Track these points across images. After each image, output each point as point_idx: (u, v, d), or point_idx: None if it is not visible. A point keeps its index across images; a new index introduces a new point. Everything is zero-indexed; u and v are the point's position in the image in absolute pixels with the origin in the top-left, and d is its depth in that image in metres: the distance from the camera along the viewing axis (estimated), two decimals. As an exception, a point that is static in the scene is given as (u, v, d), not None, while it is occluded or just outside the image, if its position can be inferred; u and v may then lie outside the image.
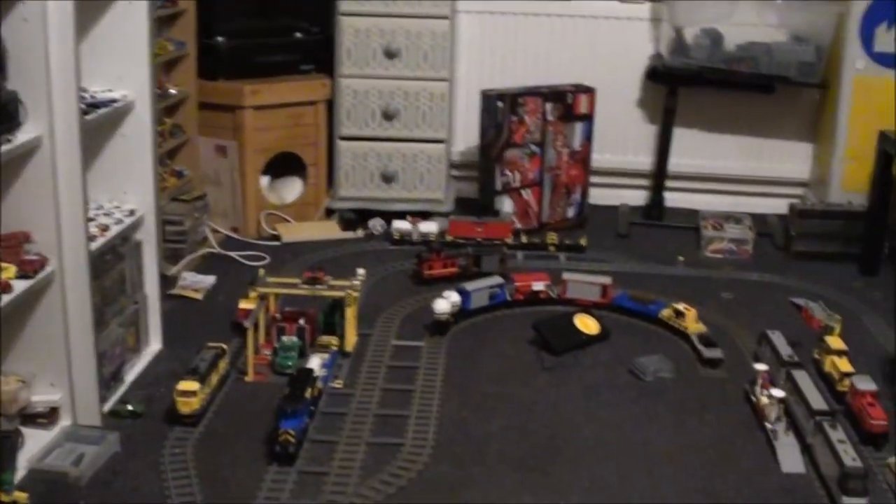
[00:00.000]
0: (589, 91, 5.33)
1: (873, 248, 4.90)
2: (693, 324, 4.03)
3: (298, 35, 5.25)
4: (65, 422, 3.21)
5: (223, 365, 3.55)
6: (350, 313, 3.80)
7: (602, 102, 5.45)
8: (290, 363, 3.65)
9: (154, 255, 3.71)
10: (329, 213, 5.34)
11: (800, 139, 5.69)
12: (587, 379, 3.73)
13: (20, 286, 2.92)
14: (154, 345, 3.81)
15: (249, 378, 3.62)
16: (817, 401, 3.34)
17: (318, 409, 3.40)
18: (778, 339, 3.82)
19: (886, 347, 4.08)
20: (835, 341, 3.81)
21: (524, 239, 5.04)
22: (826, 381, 3.71)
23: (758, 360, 3.81)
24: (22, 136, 2.90)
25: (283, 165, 5.24)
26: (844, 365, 3.66)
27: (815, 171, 5.64)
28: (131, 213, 3.57)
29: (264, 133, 5.03)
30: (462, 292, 4.13)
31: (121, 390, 3.50)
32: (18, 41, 2.88)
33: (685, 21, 5.35)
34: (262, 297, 3.77)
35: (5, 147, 2.83)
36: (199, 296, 4.31)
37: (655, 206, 5.59)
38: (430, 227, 5.03)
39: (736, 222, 5.20)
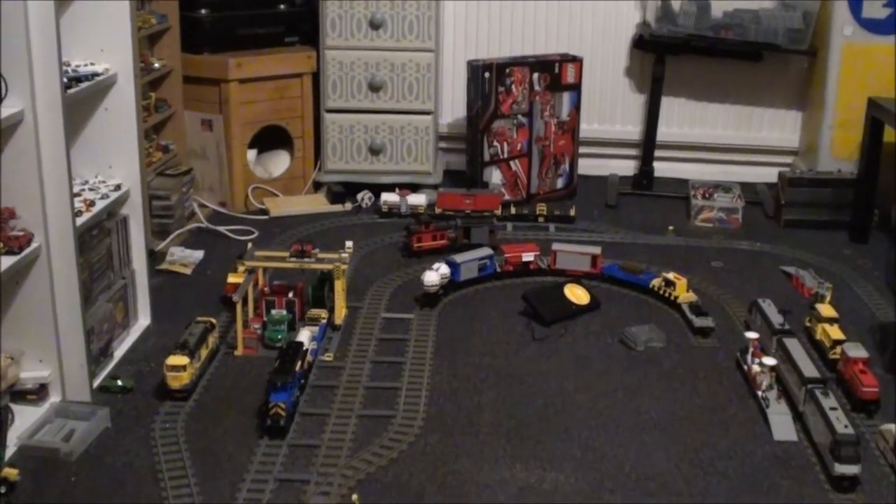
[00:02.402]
0: (576, 60, 5.30)
1: (863, 216, 4.89)
2: (684, 293, 4.02)
3: (282, 7, 5.21)
4: (54, 398, 3.19)
5: (212, 339, 3.54)
6: (339, 286, 3.79)
7: (589, 72, 5.44)
8: (279, 337, 3.63)
9: (141, 230, 3.69)
10: (317, 186, 5.31)
11: (789, 107, 5.67)
12: (578, 349, 3.73)
13: (6, 262, 2.91)
14: (142, 320, 3.80)
15: (239, 352, 3.60)
16: (809, 368, 3.33)
17: (308, 383, 3.40)
18: (769, 307, 3.81)
19: (877, 315, 4.07)
20: (826, 309, 3.80)
21: (513, 210, 5.03)
22: (817, 349, 3.70)
23: (749, 328, 3.81)
24: (3, 111, 2.87)
25: (270, 139, 5.21)
26: (836, 332, 3.65)
27: (805, 139, 5.63)
28: (117, 187, 3.54)
29: (250, 106, 4.99)
30: (451, 264, 4.11)
31: (110, 366, 3.48)
32: (-2, 15, 2.85)
33: (672, -11, 5.33)
34: (251, 271, 3.75)
35: (-13, 122, 2.81)
36: (187, 270, 4.29)
37: (645, 176, 5.56)
38: (418, 199, 5.00)
39: (725, 191, 5.19)
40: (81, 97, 3.30)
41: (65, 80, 3.06)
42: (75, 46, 3.41)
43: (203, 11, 4.95)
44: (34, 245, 3.02)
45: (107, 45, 3.48)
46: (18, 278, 3.05)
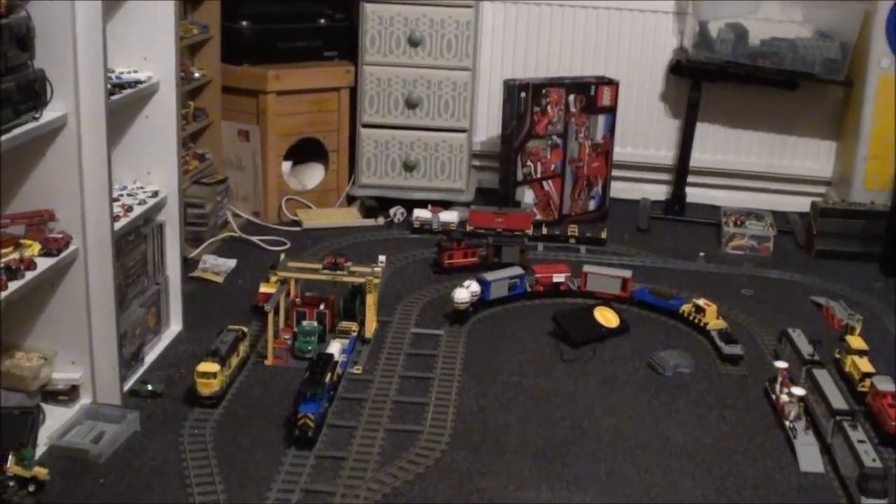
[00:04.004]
0: (612, 83, 5.32)
1: (895, 249, 4.86)
2: (713, 320, 4.02)
3: (322, 21, 5.24)
4: (85, 400, 3.22)
5: (243, 348, 3.56)
6: (370, 300, 3.81)
7: (625, 95, 5.45)
8: (309, 348, 3.65)
9: (177, 237, 3.72)
10: (350, 200, 5.34)
11: (823, 137, 5.67)
12: (606, 372, 3.73)
13: (44, 264, 2.94)
14: (174, 326, 3.82)
15: (269, 362, 3.62)
16: (838, 400, 3.32)
17: (337, 395, 3.41)
18: (798, 337, 3.80)
19: (907, 348, 4.06)
20: (856, 341, 3.79)
21: (545, 230, 5.03)
22: (846, 381, 3.69)
23: (778, 357, 3.79)
24: (48, 115, 2.91)
25: (305, 151, 5.24)
26: (865, 365, 3.64)
27: (838, 170, 5.62)
28: (155, 194, 3.57)
29: (287, 118, 5.03)
30: (482, 282, 4.13)
31: (141, 370, 3.51)
32: (46, 19, 2.88)
33: (710, 15, 5.32)
34: (283, 282, 3.78)
35: (31, 125, 2.84)
36: (219, 279, 4.32)
37: (676, 201, 5.56)
38: (450, 216, 5.02)
39: (757, 219, 5.17)
40: (124, 104, 3.33)
41: (108, 86, 3.09)
42: (119, 54, 3.44)
43: (244, 23, 4.99)
44: (72, 248, 3.05)
45: (150, 53, 3.52)
46: (55, 280, 3.08)
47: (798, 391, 3.38)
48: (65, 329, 3.15)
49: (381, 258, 3.96)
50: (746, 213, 5.25)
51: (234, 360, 3.47)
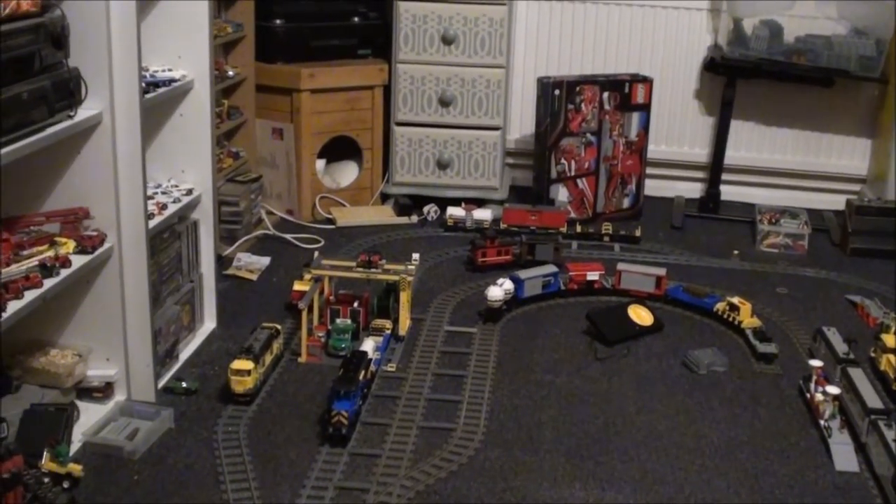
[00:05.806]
0: (646, 81, 5.30)
1: (931, 247, 4.83)
2: (748, 318, 4.00)
3: (356, 19, 5.25)
4: (120, 396, 3.24)
5: (277, 345, 3.57)
6: (404, 297, 3.81)
7: (659, 93, 5.43)
8: (343, 345, 3.66)
9: (211, 235, 3.73)
10: (384, 198, 5.34)
11: (858, 134, 5.62)
12: (640, 370, 3.72)
13: (79, 261, 2.96)
14: (208, 323, 3.84)
15: (303, 359, 3.63)
16: (873, 399, 3.30)
17: (370, 392, 3.41)
18: (833, 335, 3.78)
19: (944, 347, 4.02)
20: (891, 339, 3.76)
21: (578, 228, 5.01)
22: (882, 380, 3.66)
23: (813, 356, 3.77)
24: (83, 113, 2.93)
25: (339, 149, 5.24)
26: (901, 364, 3.62)
27: (873, 167, 5.57)
28: (189, 192, 3.58)
29: (321, 116, 5.04)
30: (516, 280, 4.12)
31: (175, 367, 3.52)
32: (80, 18, 2.90)
33: (745, 12, 5.29)
34: (317, 280, 3.78)
35: (66, 123, 2.86)
36: (253, 276, 4.34)
37: (711, 199, 5.53)
38: (484, 214, 5.02)
39: (792, 217, 5.14)
40: (158, 102, 3.35)
41: (143, 84, 3.11)
42: (154, 52, 3.47)
43: (278, 22, 5.00)
44: (107, 245, 3.07)
45: (184, 52, 3.53)
46: (90, 277, 3.10)
47: (833, 390, 3.36)
48: (99, 326, 3.17)
49: (415, 256, 3.97)
50: (781, 210, 5.22)
51: (268, 358, 3.48)
